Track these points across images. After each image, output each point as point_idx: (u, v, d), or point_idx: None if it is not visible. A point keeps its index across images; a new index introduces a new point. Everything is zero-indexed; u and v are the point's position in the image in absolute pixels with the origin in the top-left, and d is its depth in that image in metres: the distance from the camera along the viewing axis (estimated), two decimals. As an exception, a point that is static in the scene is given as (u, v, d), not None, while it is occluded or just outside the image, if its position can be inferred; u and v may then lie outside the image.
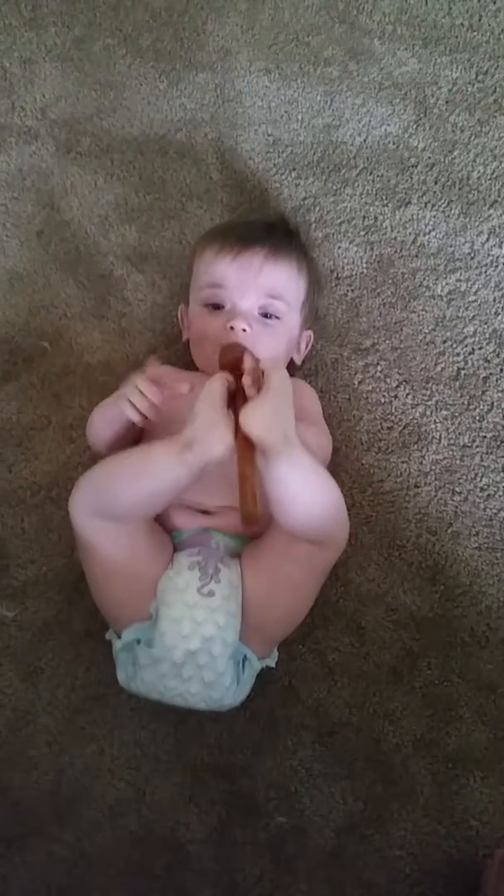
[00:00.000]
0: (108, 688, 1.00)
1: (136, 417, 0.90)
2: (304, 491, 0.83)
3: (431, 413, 1.13)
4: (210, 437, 0.81)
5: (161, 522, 0.95)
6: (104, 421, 0.99)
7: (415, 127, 1.27)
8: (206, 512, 0.96)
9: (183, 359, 1.12)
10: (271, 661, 0.96)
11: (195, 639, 0.86)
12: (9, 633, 1.03)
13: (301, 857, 0.96)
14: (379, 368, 1.16)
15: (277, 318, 1.03)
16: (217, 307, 1.02)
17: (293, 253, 1.07)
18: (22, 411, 1.12)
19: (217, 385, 0.84)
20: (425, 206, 1.23)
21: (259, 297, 1.02)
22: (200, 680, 0.88)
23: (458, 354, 1.16)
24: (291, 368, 1.10)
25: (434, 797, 0.98)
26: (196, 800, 0.98)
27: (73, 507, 0.87)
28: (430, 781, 0.99)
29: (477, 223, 1.22)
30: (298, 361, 1.11)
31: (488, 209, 1.22)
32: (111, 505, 0.86)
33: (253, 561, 0.92)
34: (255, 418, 0.80)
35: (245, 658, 0.90)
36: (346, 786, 0.99)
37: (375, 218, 1.22)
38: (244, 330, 1.00)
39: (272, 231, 1.09)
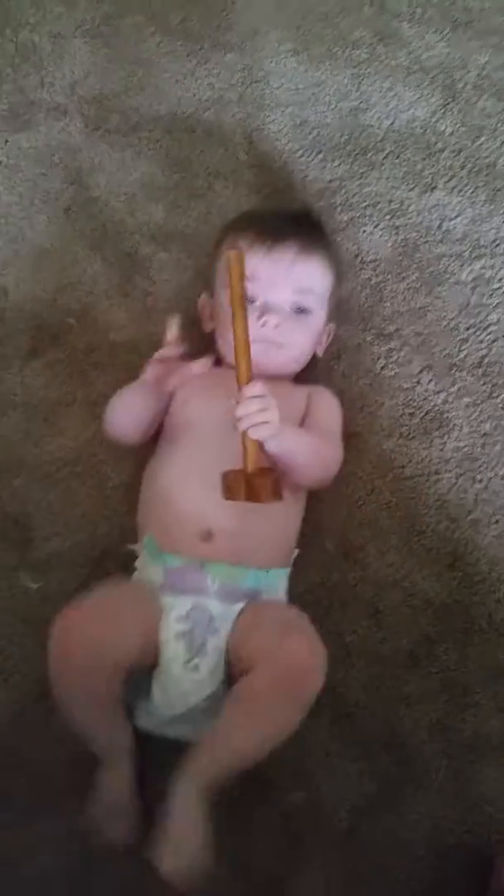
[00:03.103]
0: None
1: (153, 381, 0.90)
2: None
3: (453, 400, 1.07)
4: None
5: (157, 531, 0.92)
6: (124, 406, 0.95)
7: (442, 111, 1.19)
8: (209, 533, 0.90)
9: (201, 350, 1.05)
10: None
11: (180, 706, 0.87)
12: (32, 605, 0.98)
13: (315, 837, 0.92)
14: (402, 354, 1.09)
15: (308, 312, 0.98)
16: (251, 302, 0.96)
17: (323, 247, 1.02)
18: (48, 387, 1.06)
19: None
20: (451, 192, 1.15)
21: (290, 291, 0.96)
22: (187, 728, 0.87)
23: (481, 342, 1.09)
24: (313, 363, 1.04)
25: (449, 781, 0.94)
26: (212, 777, 0.93)
27: None
28: (445, 766, 0.94)
29: (503, 210, 1.14)
30: (321, 354, 1.05)
31: (515, 197, 1.15)
32: None
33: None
34: None
35: None
36: (361, 767, 0.94)
37: (401, 202, 1.15)
38: (276, 326, 0.95)
39: (302, 224, 1.03)
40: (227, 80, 1.21)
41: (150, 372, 0.92)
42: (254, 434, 0.83)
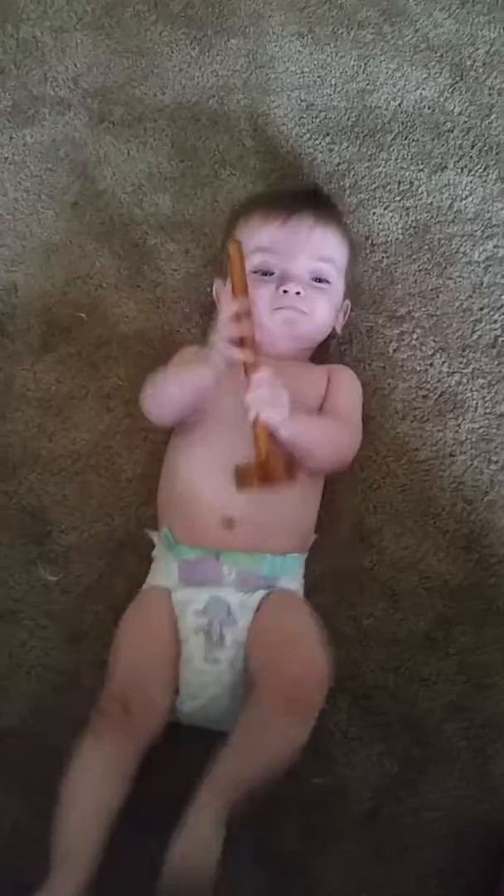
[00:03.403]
0: None
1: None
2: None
3: (468, 381, 1.11)
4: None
5: (176, 522, 0.96)
6: (176, 386, 0.98)
7: (451, 90, 1.23)
8: (230, 520, 0.94)
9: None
10: None
11: (202, 698, 0.91)
12: (53, 597, 1.03)
13: (338, 818, 0.96)
14: (414, 336, 1.13)
15: (328, 282, 1.01)
16: (266, 273, 1.00)
17: (338, 219, 1.06)
18: (61, 381, 1.12)
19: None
20: (462, 171, 1.19)
21: (310, 260, 1.00)
22: (208, 720, 0.93)
23: (495, 322, 1.13)
24: (328, 340, 1.09)
25: (469, 761, 0.98)
26: (234, 761, 0.98)
27: None
28: (466, 746, 0.98)
29: (514, 188, 1.18)
30: (339, 330, 1.09)
31: (526, 173, 1.18)
32: None
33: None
34: None
35: None
36: (381, 749, 0.98)
37: (411, 183, 1.19)
38: (298, 293, 0.98)
39: (315, 197, 1.07)
40: (231, 66, 1.25)
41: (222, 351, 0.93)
42: (264, 420, 0.87)
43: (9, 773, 0.98)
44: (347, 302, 1.09)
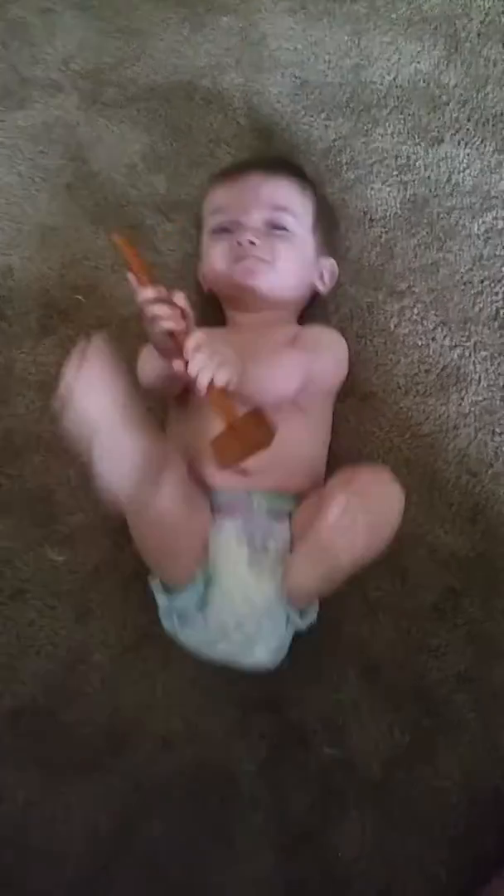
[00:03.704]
0: (158, 626, 1.03)
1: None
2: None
3: (470, 354, 1.15)
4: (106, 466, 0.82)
5: (201, 480, 0.99)
6: (145, 373, 1.02)
7: (446, 63, 1.28)
8: (245, 471, 0.97)
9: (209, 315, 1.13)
10: (313, 615, 0.99)
11: (245, 609, 0.93)
12: (61, 577, 1.08)
13: (350, 788, 1.01)
14: (415, 311, 1.17)
15: (286, 229, 1.06)
16: (224, 231, 1.06)
17: (291, 172, 1.11)
18: (61, 364, 1.12)
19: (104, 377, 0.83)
20: (459, 144, 1.24)
21: (263, 211, 1.05)
22: (247, 643, 0.94)
23: (496, 294, 1.17)
24: (315, 302, 1.14)
25: (479, 730, 1.02)
26: (246, 733, 1.03)
27: None
28: (475, 715, 1.03)
29: (512, 159, 1.23)
30: (324, 291, 1.13)
31: (523, 145, 1.22)
32: None
33: (301, 525, 0.95)
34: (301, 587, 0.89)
35: (288, 618, 0.96)
36: (392, 719, 1.03)
37: (408, 157, 1.23)
38: (252, 242, 1.03)
39: (265, 157, 1.16)
40: (224, 44, 1.30)
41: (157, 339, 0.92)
42: (217, 383, 0.84)
43: (22, 750, 1.03)
44: (331, 262, 1.13)
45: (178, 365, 0.87)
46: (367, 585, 1.07)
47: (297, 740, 1.03)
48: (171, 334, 0.88)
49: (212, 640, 0.95)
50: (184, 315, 0.88)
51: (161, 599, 0.97)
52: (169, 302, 0.88)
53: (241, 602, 0.93)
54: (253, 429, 0.84)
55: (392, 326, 1.17)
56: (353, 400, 1.12)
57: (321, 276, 1.12)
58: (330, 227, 1.16)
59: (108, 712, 1.04)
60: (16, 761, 1.03)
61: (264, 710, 1.04)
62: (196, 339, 0.85)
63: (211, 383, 0.83)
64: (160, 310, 0.88)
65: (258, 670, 0.99)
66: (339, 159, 1.24)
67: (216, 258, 1.07)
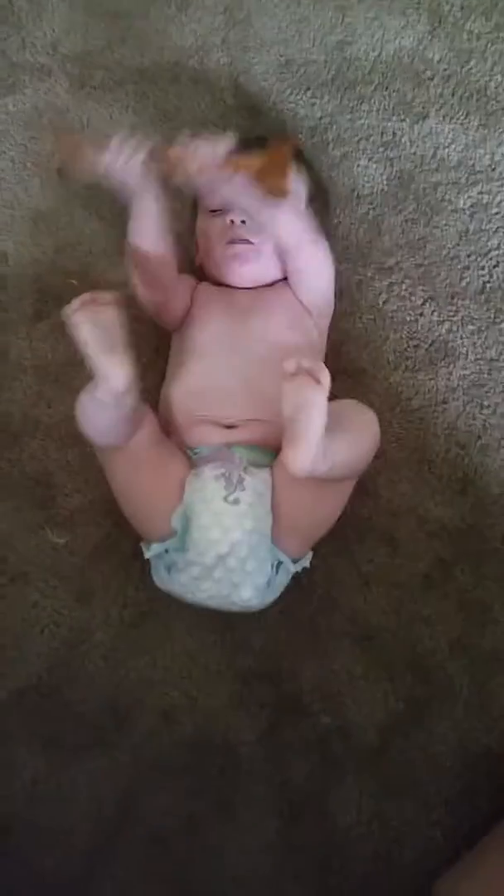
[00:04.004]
0: (158, 603, 1.07)
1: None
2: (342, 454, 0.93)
3: (458, 329, 1.17)
4: (103, 372, 0.89)
5: (181, 439, 1.02)
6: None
7: (429, 38, 1.28)
8: (229, 427, 1.01)
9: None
10: (306, 562, 1.01)
11: (224, 543, 0.94)
12: (62, 559, 1.11)
13: (347, 755, 1.04)
14: (403, 287, 1.19)
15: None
16: (219, 210, 1.09)
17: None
18: (55, 349, 1.18)
19: (105, 315, 0.91)
20: (443, 119, 1.24)
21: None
22: (230, 581, 0.95)
23: (482, 268, 1.19)
24: None
25: (472, 695, 1.05)
26: (245, 704, 1.06)
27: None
28: (468, 681, 1.06)
29: (497, 134, 1.22)
30: None
31: (508, 118, 1.23)
32: (90, 438, 0.99)
33: (283, 469, 0.97)
34: (301, 464, 0.87)
35: (280, 563, 0.98)
36: (387, 687, 1.06)
37: (393, 134, 1.24)
38: (243, 221, 1.07)
39: (264, 137, 1.14)
40: (210, 24, 1.30)
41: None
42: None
43: (28, 729, 1.06)
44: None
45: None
46: (359, 558, 1.10)
47: (295, 711, 1.06)
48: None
49: (196, 580, 0.96)
50: None
51: (148, 553, 1.00)
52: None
53: (218, 535, 0.95)
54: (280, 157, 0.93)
55: (381, 303, 1.19)
56: (344, 377, 1.14)
57: None
58: (324, 208, 1.18)
59: (110, 689, 1.07)
60: (22, 739, 1.06)
61: (262, 682, 1.07)
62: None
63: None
64: (129, 146, 0.99)
65: (247, 611, 1.01)
66: (325, 137, 1.25)
67: (211, 239, 1.10)
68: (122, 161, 0.99)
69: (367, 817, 1.03)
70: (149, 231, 1.07)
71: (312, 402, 0.86)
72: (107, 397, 0.90)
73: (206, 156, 0.95)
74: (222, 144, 0.96)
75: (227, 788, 1.05)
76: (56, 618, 1.10)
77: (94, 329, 0.90)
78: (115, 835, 1.03)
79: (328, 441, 0.86)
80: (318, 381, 0.86)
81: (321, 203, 1.16)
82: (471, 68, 1.26)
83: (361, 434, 0.96)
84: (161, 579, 1.01)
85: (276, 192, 0.91)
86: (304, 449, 0.86)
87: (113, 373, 0.89)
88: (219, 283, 1.13)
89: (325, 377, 0.86)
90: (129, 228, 1.07)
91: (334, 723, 1.05)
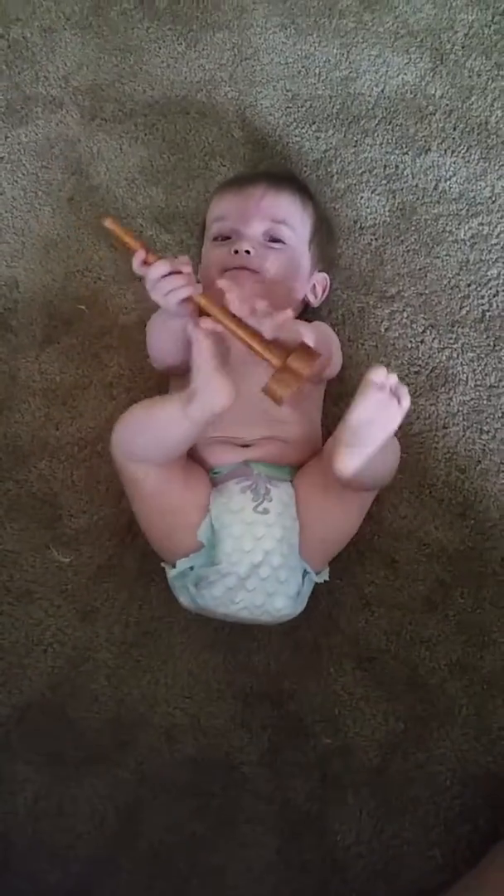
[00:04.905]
0: (161, 623, 1.10)
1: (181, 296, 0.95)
2: (373, 472, 0.94)
3: (458, 356, 1.20)
4: (208, 388, 0.90)
5: (199, 460, 1.04)
6: (159, 333, 1.07)
7: (431, 74, 1.33)
8: (244, 445, 1.04)
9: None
10: (325, 576, 1.05)
11: (257, 552, 0.97)
12: (66, 578, 1.13)
13: (348, 775, 1.05)
14: (405, 315, 1.22)
15: (283, 242, 1.10)
16: (224, 238, 1.11)
17: (294, 187, 1.16)
18: (64, 372, 1.21)
19: (200, 343, 0.91)
20: (445, 153, 1.29)
21: (262, 223, 1.09)
22: (264, 591, 0.97)
23: (482, 297, 1.22)
24: (306, 310, 1.17)
25: (472, 716, 1.07)
26: (247, 724, 1.07)
27: (112, 449, 0.99)
28: (468, 702, 1.07)
29: (497, 167, 1.27)
30: (315, 304, 1.16)
31: (508, 152, 1.28)
32: (132, 451, 0.98)
33: (307, 482, 1.01)
34: (350, 468, 0.88)
35: (305, 572, 1.00)
36: (387, 708, 1.07)
37: (396, 166, 1.29)
38: (248, 252, 1.07)
39: (271, 171, 1.20)
40: (218, 59, 1.35)
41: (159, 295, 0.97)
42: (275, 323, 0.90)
43: (30, 745, 1.07)
44: (324, 275, 1.17)
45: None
46: (361, 580, 1.12)
47: (296, 731, 1.07)
48: (188, 299, 0.94)
49: (231, 590, 0.97)
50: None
51: (172, 572, 1.01)
52: (178, 272, 0.94)
53: (250, 544, 0.97)
54: (303, 359, 0.88)
55: (383, 330, 1.22)
56: (348, 401, 1.15)
57: (313, 289, 1.16)
58: (327, 241, 1.21)
59: (112, 707, 1.09)
60: (25, 756, 1.07)
61: (264, 702, 1.09)
62: (223, 283, 0.93)
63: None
64: (174, 281, 0.93)
65: (278, 622, 1.03)
66: (329, 169, 1.29)
67: (211, 266, 1.12)
68: (162, 291, 0.95)
69: (367, 837, 1.04)
70: (167, 346, 1.06)
71: (387, 420, 0.88)
72: (200, 414, 0.91)
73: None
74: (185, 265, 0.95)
75: (229, 807, 1.06)
76: (60, 636, 1.12)
77: (213, 345, 0.91)
78: (116, 852, 1.04)
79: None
80: (399, 403, 0.88)
81: (325, 234, 1.20)
82: (472, 104, 1.30)
83: (390, 447, 0.96)
84: (189, 597, 1.02)
85: (277, 395, 0.88)
86: (358, 455, 0.88)
87: (221, 390, 0.90)
88: None
89: (407, 401, 0.89)
90: (149, 332, 1.09)
91: (335, 743, 1.07)
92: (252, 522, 0.98)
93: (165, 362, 1.09)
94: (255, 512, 0.98)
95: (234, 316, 0.91)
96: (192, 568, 0.99)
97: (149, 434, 0.97)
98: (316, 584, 1.04)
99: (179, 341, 1.01)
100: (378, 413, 0.88)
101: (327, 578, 1.05)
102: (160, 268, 0.93)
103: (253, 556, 0.97)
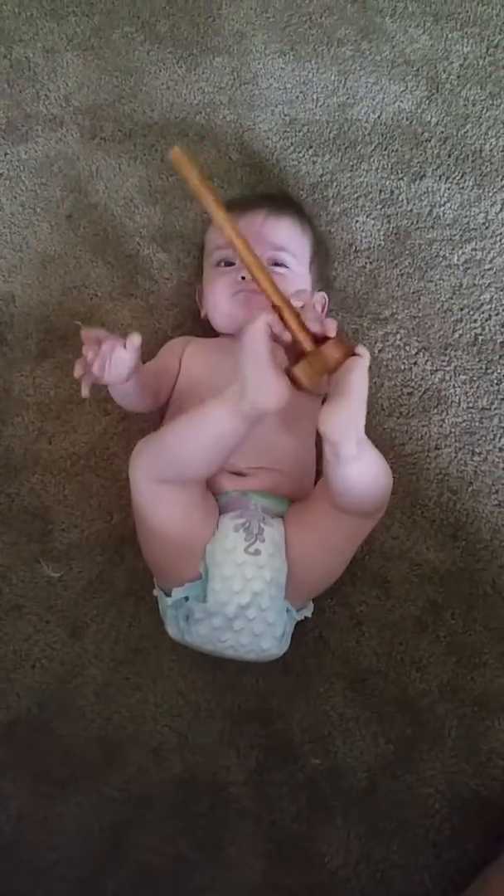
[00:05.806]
0: (150, 641, 1.09)
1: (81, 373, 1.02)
2: (368, 484, 0.93)
3: (450, 378, 1.22)
4: (262, 388, 0.86)
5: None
6: (121, 399, 1.11)
7: (427, 102, 1.36)
8: (240, 474, 1.04)
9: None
10: (307, 612, 1.05)
11: (245, 594, 0.96)
12: (56, 593, 1.12)
13: (336, 796, 1.05)
14: (398, 337, 1.24)
15: (285, 266, 1.12)
16: (228, 264, 1.12)
17: (294, 212, 1.18)
18: (59, 386, 1.22)
19: (259, 332, 0.88)
20: (440, 179, 1.31)
21: (265, 249, 1.10)
22: (251, 632, 0.97)
23: (475, 321, 1.24)
24: None
25: (461, 738, 1.07)
26: (235, 744, 1.07)
27: (135, 471, 0.96)
28: (457, 724, 1.07)
29: (491, 193, 1.30)
30: None
31: (501, 180, 1.30)
32: (175, 463, 0.95)
33: (297, 522, 1.01)
34: (334, 422, 0.85)
35: (287, 610, 1.00)
36: (376, 729, 1.07)
37: (391, 192, 1.31)
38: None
39: (271, 196, 1.21)
40: (217, 83, 1.38)
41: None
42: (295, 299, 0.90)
43: (16, 762, 1.07)
44: (323, 294, 1.19)
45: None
46: (352, 600, 1.13)
47: (285, 751, 1.07)
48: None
49: (217, 630, 0.97)
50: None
51: (165, 603, 1.01)
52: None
53: (239, 586, 0.96)
54: (339, 348, 0.88)
55: (376, 351, 1.23)
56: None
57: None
58: (324, 262, 1.24)
59: (100, 724, 1.08)
60: (10, 772, 1.07)
61: (253, 721, 1.09)
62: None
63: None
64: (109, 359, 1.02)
65: (266, 661, 1.03)
66: (325, 193, 1.31)
67: (218, 292, 1.12)
68: (99, 368, 1.01)
69: (355, 859, 1.03)
70: (132, 398, 1.10)
71: (355, 365, 0.87)
72: (252, 410, 0.88)
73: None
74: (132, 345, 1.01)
75: (215, 827, 1.05)
76: (48, 652, 1.11)
77: (270, 339, 0.88)
78: (101, 871, 1.03)
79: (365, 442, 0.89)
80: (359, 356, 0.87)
81: (323, 255, 1.21)
82: (466, 132, 1.33)
83: (382, 468, 0.95)
84: (178, 630, 1.01)
85: (300, 378, 0.88)
86: (345, 406, 0.86)
87: (276, 388, 0.86)
88: (221, 334, 1.16)
89: (366, 355, 0.88)
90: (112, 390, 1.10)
91: (323, 764, 1.07)
92: (242, 563, 0.97)
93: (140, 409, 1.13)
94: (245, 553, 0.97)
95: (279, 291, 0.91)
96: (186, 598, 0.99)
97: (189, 446, 0.93)
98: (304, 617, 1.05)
99: (138, 395, 1.08)
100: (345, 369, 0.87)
101: (308, 615, 1.06)
102: (88, 355, 1.01)
103: (241, 598, 0.96)
